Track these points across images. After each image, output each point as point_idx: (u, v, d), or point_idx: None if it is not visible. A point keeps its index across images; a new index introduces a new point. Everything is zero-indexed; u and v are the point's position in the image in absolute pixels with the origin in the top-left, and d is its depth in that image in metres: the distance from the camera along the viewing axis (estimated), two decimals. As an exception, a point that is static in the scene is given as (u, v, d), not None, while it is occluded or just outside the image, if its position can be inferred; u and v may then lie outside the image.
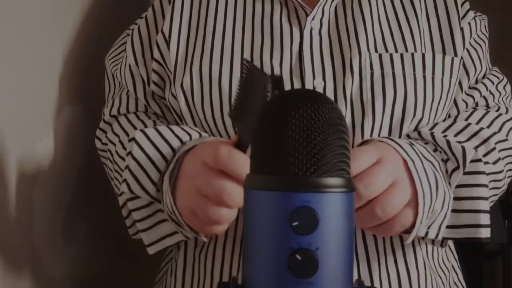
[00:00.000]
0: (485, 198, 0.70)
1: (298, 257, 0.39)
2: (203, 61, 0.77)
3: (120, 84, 0.87)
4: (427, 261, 0.77)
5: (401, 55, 0.75)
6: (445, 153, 0.71)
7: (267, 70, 0.75)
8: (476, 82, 0.84)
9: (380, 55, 0.75)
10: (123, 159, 0.74)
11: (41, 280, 0.84)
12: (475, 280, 1.48)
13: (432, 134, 0.73)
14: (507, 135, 0.79)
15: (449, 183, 0.70)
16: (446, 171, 0.71)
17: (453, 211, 0.70)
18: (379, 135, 0.73)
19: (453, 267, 0.85)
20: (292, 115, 0.41)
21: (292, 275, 0.40)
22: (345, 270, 0.41)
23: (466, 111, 0.81)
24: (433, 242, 0.72)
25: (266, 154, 0.42)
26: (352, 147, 0.72)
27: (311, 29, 0.77)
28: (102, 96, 0.90)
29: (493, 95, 0.84)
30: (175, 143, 0.70)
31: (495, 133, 0.76)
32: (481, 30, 0.85)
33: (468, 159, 0.69)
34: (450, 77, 0.77)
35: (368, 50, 0.75)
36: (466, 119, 0.78)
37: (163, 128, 0.72)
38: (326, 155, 0.40)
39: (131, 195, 0.70)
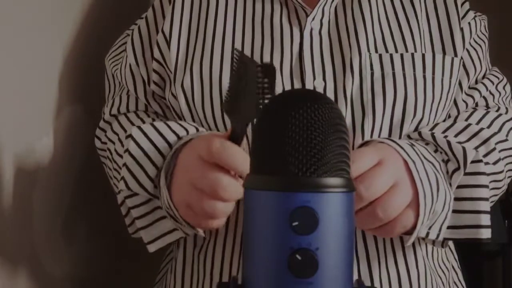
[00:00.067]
0: (486, 199, 0.70)
1: (298, 257, 0.39)
2: (203, 61, 0.77)
3: (120, 84, 0.87)
4: (427, 261, 0.77)
5: (401, 55, 0.75)
6: (446, 153, 0.71)
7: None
8: (476, 82, 0.84)
9: (380, 55, 0.75)
10: (122, 156, 0.74)
11: (41, 280, 0.84)
12: (475, 280, 1.48)
13: (432, 135, 0.73)
14: (507, 135, 0.79)
15: (450, 184, 0.70)
16: (447, 172, 0.71)
17: (454, 211, 0.70)
18: (379, 136, 0.73)
19: (453, 267, 0.85)
20: (292, 115, 0.41)
21: (292, 275, 0.40)
22: (345, 270, 0.41)
23: (466, 111, 0.81)
24: (433, 242, 0.72)
25: (266, 154, 0.42)
26: (353, 147, 0.72)
27: (311, 29, 0.77)
28: (102, 96, 0.90)
29: (493, 95, 0.84)
30: (172, 138, 0.70)
31: (495, 133, 0.76)
32: (481, 30, 0.85)
33: (469, 160, 0.69)
34: (450, 77, 0.77)
35: (368, 50, 0.75)
36: (466, 120, 0.78)
37: (159, 124, 0.72)
38: (326, 155, 0.40)
39: (129, 192, 0.70)
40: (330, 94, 0.74)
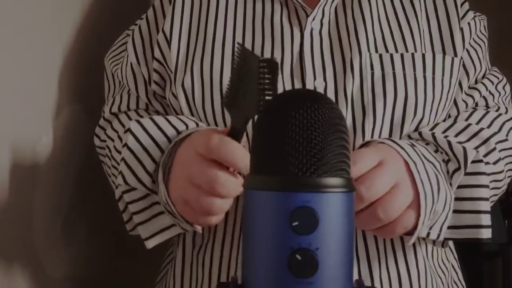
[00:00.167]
0: (486, 199, 0.70)
1: (298, 257, 0.39)
2: (204, 61, 0.77)
3: (121, 83, 0.87)
4: (427, 261, 0.77)
5: (402, 55, 0.75)
6: (446, 154, 0.71)
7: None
8: (476, 82, 0.84)
9: (380, 55, 0.75)
10: (120, 152, 0.74)
11: (40, 279, 0.84)
12: (475, 280, 1.48)
13: (433, 135, 0.73)
14: (507, 135, 0.79)
15: (450, 184, 0.70)
16: (447, 172, 0.71)
17: (454, 211, 0.70)
18: (380, 136, 0.73)
19: (452, 266, 0.85)
20: (292, 115, 0.41)
21: (292, 275, 0.40)
22: (345, 270, 0.41)
23: (466, 111, 0.81)
24: (434, 242, 0.72)
25: (266, 154, 0.42)
26: (353, 147, 0.72)
27: (312, 29, 0.77)
28: (102, 96, 0.90)
29: (492, 95, 0.84)
30: (171, 132, 0.70)
31: (495, 133, 0.76)
32: (480, 31, 0.85)
33: (469, 160, 0.69)
34: (450, 77, 0.77)
35: (369, 50, 0.75)
36: (466, 119, 0.78)
37: (159, 118, 0.71)
38: (326, 155, 0.40)
39: (126, 187, 0.69)
40: (330, 94, 0.74)
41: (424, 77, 0.75)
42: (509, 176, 0.81)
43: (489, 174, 0.72)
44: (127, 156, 0.69)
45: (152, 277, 0.92)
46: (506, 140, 0.78)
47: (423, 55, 0.76)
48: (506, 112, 0.82)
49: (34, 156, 0.83)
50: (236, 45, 0.58)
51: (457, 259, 0.88)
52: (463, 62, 0.81)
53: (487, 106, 0.83)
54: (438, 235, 0.69)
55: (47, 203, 0.87)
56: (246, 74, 0.56)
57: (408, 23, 0.78)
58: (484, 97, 0.83)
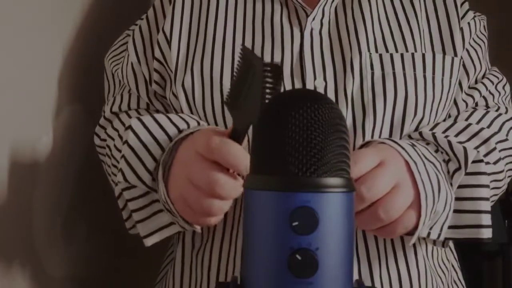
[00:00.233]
0: (487, 199, 0.70)
1: (298, 257, 0.39)
2: (204, 61, 0.77)
3: (121, 83, 0.87)
4: (427, 261, 0.77)
5: (402, 55, 0.75)
6: (447, 153, 0.71)
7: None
8: (476, 82, 0.84)
9: (380, 55, 0.75)
10: (121, 151, 0.73)
11: (40, 278, 0.84)
12: (475, 280, 1.48)
13: (433, 135, 0.73)
14: (507, 135, 0.79)
15: (451, 184, 0.70)
16: (448, 172, 0.71)
17: (455, 211, 0.70)
18: (380, 136, 0.73)
19: (452, 266, 0.85)
20: (292, 115, 0.41)
21: (292, 275, 0.40)
22: (345, 270, 0.41)
23: (466, 111, 0.81)
24: (434, 242, 0.72)
25: (266, 154, 0.42)
26: (353, 147, 0.72)
27: (312, 29, 0.77)
28: (102, 96, 0.90)
29: (492, 95, 0.84)
30: (172, 131, 0.70)
31: (495, 133, 0.76)
32: (480, 30, 0.85)
33: (470, 160, 0.69)
34: (450, 77, 0.77)
35: (369, 50, 0.75)
36: (466, 119, 0.78)
37: (160, 116, 0.71)
38: (326, 155, 0.40)
39: (126, 184, 0.69)
40: (330, 94, 0.74)
41: (424, 77, 0.75)
42: (509, 176, 0.81)
43: (489, 174, 0.72)
44: (127, 154, 0.69)
45: (152, 277, 0.92)
46: (506, 140, 0.78)
47: (423, 55, 0.76)
48: (506, 112, 0.82)
49: (34, 156, 0.83)
50: (240, 46, 0.58)
51: (457, 259, 0.88)
52: (463, 62, 0.81)
53: (487, 106, 0.83)
54: (439, 235, 0.69)
55: (47, 203, 0.87)
56: (250, 77, 0.55)
57: (408, 23, 0.78)
58: (484, 97, 0.83)
